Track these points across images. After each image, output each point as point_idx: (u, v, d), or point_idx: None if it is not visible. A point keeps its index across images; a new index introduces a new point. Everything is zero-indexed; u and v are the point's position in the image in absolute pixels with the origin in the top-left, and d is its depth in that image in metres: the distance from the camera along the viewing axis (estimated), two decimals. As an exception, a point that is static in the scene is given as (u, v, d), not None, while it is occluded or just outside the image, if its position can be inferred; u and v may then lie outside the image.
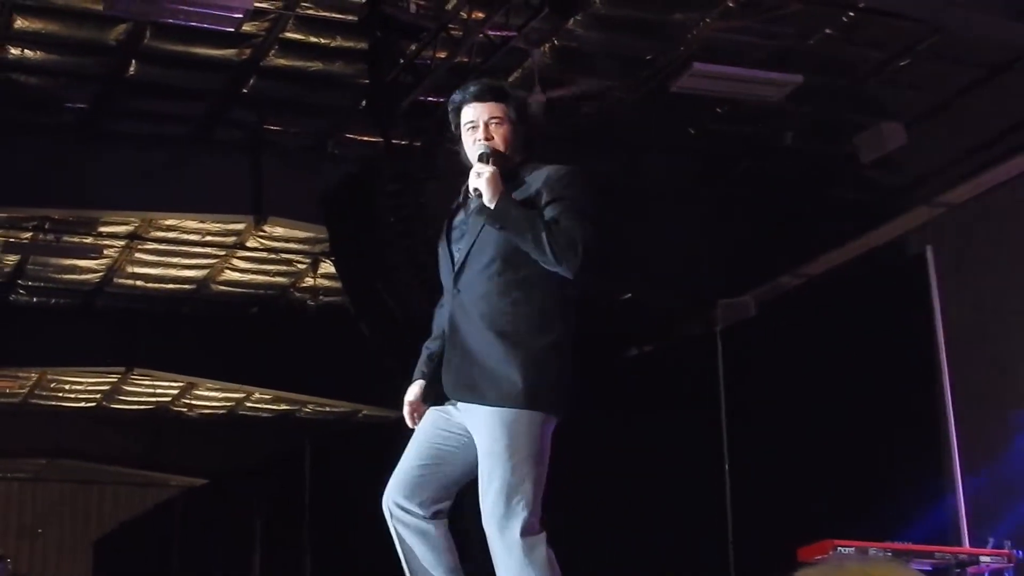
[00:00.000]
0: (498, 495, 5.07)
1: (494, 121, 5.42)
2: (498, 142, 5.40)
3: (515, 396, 5.10)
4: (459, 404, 5.25)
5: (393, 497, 5.26)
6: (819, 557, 7.25)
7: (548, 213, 5.24)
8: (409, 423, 5.44)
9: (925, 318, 10.22)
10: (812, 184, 15.01)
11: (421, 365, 5.48)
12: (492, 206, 5.21)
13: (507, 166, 5.37)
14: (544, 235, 5.15)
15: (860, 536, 7.62)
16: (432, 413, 5.35)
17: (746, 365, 12.10)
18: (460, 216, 5.48)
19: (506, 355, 5.14)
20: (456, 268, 5.34)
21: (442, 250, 5.49)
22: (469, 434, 5.21)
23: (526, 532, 5.06)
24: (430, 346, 5.48)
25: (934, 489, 9.98)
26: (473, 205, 5.32)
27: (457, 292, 5.30)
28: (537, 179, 5.34)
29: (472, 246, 5.32)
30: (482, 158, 5.33)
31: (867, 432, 10.59)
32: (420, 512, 5.23)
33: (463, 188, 5.43)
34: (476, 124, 5.43)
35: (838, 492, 10.63)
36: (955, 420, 9.88)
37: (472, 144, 5.42)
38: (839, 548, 7.27)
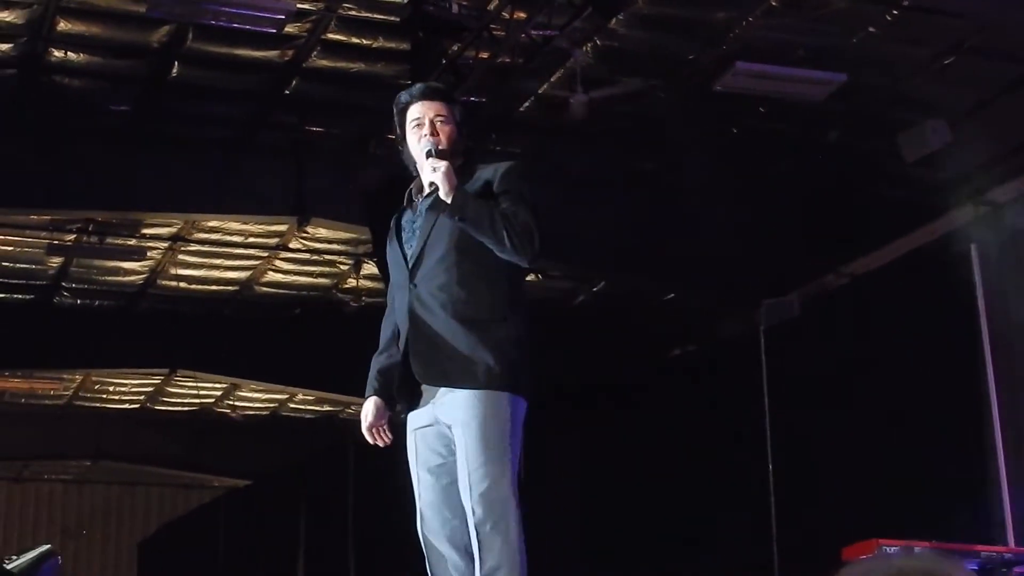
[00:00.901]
0: (483, 477, 5.16)
1: (439, 119, 5.53)
2: (443, 140, 5.50)
3: (491, 379, 5.21)
4: (432, 401, 5.35)
5: (425, 528, 5.39)
6: (864, 556, 7.21)
7: (501, 204, 5.34)
8: (372, 440, 5.60)
9: (969, 316, 10.16)
10: (856, 183, 14.96)
11: (372, 380, 5.59)
12: (449, 199, 5.30)
13: (452, 164, 5.44)
14: (502, 225, 5.25)
15: (905, 535, 7.58)
16: (413, 439, 5.45)
17: (790, 365, 12.06)
18: (407, 215, 5.61)
19: (475, 341, 5.25)
20: (411, 264, 5.43)
21: (391, 250, 5.62)
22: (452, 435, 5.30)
23: (511, 512, 5.15)
24: (379, 360, 5.60)
25: (979, 488, 9.92)
26: (421, 204, 5.50)
27: (414, 287, 5.40)
28: (484, 175, 5.47)
29: (426, 241, 5.42)
30: (429, 154, 5.42)
31: (911, 431, 10.53)
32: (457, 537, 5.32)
33: (408, 189, 5.62)
34: (422, 122, 5.53)
35: (883, 491, 10.57)
36: (1000, 418, 9.82)
37: (417, 142, 5.51)
38: (884, 547, 7.23)
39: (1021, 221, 11.01)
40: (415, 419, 5.43)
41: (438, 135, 5.49)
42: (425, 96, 5.58)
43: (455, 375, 5.26)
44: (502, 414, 5.20)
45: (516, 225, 5.25)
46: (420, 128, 5.51)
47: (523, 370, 5.29)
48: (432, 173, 5.34)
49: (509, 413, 5.22)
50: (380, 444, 5.62)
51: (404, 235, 5.57)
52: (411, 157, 5.54)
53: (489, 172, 5.45)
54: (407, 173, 5.69)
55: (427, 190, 5.47)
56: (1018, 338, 10.32)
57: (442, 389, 5.30)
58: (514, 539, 5.14)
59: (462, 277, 5.33)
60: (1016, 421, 10.04)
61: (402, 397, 5.47)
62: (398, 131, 5.65)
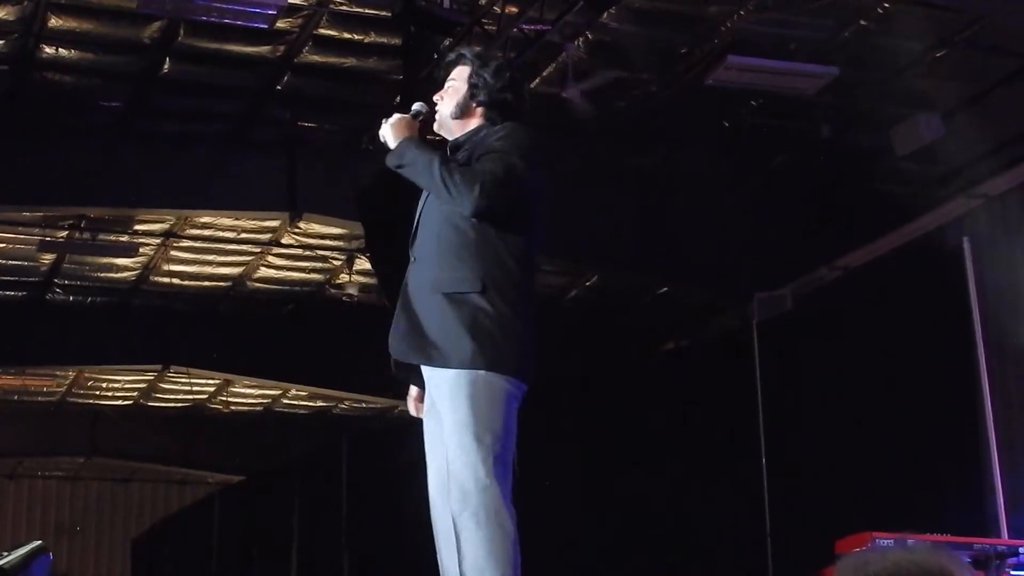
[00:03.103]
0: (459, 462, 4.94)
1: (451, 82, 5.44)
2: (445, 99, 5.41)
3: (464, 357, 4.98)
4: (424, 372, 5.14)
5: (432, 513, 5.18)
6: (857, 549, 7.21)
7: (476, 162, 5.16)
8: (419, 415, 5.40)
9: (962, 310, 10.16)
10: (848, 176, 14.97)
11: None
12: (393, 146, 5.22)
13: (445, 125, 5.40)
14: (440, 172, 5.04)
15: (898, 528, 7.58)
16: (427, 420, 5.26)
17: (783, 358, 12.05)
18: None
19: (452, 316, 5.02)
20: (412, 236, 5.28)
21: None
22: None
23: (490, 500, 4.91)
24: None
25: (972, 481, 9.93)
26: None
27: (413, 260, 5.23)
28: (480, 135, 5.29)
29: (421, 212, 5.28)
30: (414, 115, 5.38)
31: (905, 424, 10.53)
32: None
33: None
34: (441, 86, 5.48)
35: (876, 485, 10.57)
36: (993, 411, 9.83)
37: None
38: (877, 540, 7.24)
39: (1014, 214, 11.02)
40: (426, 401, 5.24)
41: (443, 97, 5.41)
42: (447, 63, 5.52)
43: (428, 351, 5.06)
44: (479, 395, 4.95)
45: (459, 175, 5.01)
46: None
47: (506, 347, 5.02)
48: (383, 126, 5.30)
49: (487, 394, 4.97)
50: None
51: (419, 205, 5.39)
52: None
53: (489, 132, 5.28)
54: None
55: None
56: (1010, 330, 10.33)
57: (428, 369, 5.09)
58: (494, 529, 4.89)
59: (444, 249, 5.11)
60: (1008, 413, 10.05)
61: (400, 373, 5.28)
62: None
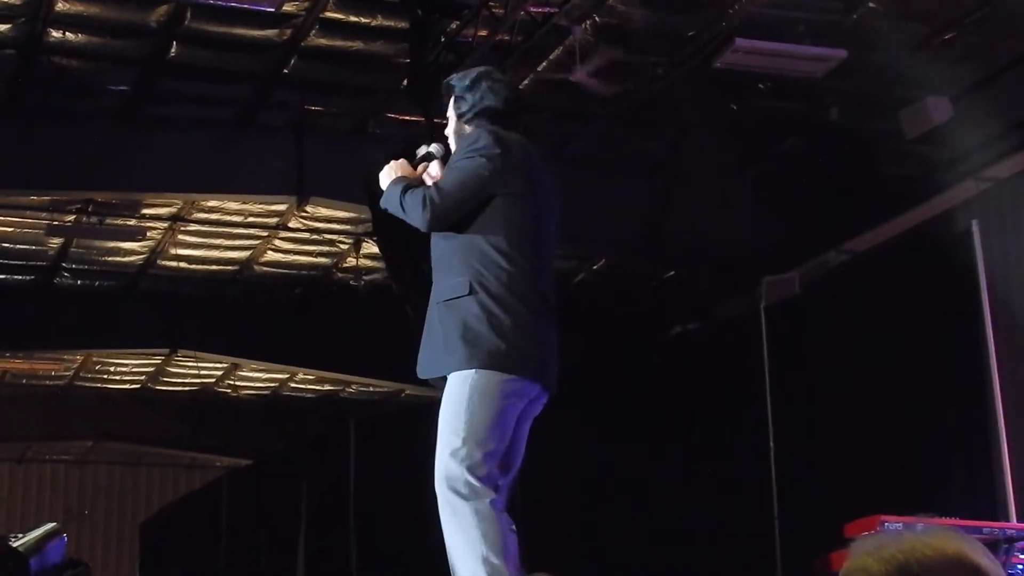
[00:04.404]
0: (440, 455, 5.14)
1: (448, 116, 5.75)
2: (443, 141, 5.75)
3: (456, 359, 5.18)
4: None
5: None
6: (866, 533, 7.19)
7: None
8: None
9: (971, 293, 10.14)
10: (857, 160, 14.93)
11: None
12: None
13: (446, 153, 5.66)
14: (399, 200, 5.39)
15: (907, 512, 7.57)
16: None
17: (791, 343, 12.04)
18: None
19: (448, 323, 5.23)
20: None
21: None
22: None
23: (461, 493, 5.06)
24: None
25: (981, 464, 9.92)
26: None
27: (429, 271, 5.52)
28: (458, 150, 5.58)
29: None
30: (425, 157, 5.70)
31: (913, 408, 10.52)
32: None
33: None
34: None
35: (884, 469, 10.56)
36: (1002, 395, 9.82)
37: None
38: (886, 524, 7.22)
39: (1022, 197, 11.00)
40: None
41: (447, 136, 5.69)
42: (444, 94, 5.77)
43: (434, 363, 5.30)
44: (473, 395, 5.13)
45: (412, 198, 5.33)
46: None
47: (492, 343, 5.16)
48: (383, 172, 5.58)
49: (480, 393, 5.13)
50: None
51: None
52: None
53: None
54: (407, 151, 5.74)
55: None
56: (1020, 314, 10.32)
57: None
58: (465, 523, 5.04)
59: (438, 261, 5.40)
60: (1018, 397, 10.03)
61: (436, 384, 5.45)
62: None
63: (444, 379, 5.30)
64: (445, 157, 5.62)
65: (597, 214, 15.28)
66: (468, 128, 5.56)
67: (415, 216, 5.30)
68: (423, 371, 5.37)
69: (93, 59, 13.33)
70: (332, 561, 18.15)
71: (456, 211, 5.29)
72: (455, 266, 5.29)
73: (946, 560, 2.41)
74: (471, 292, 5.21)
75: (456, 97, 5.63)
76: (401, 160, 5.58)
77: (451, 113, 5.66)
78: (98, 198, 16.01)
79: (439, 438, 5.15)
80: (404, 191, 5.35)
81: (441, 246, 5.37)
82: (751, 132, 14.80)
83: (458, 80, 5.71)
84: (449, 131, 5.68)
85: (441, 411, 5.18)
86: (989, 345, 9.96)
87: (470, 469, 5.06)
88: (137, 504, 28.93)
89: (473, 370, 5.14)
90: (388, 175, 5.52)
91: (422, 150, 5.66)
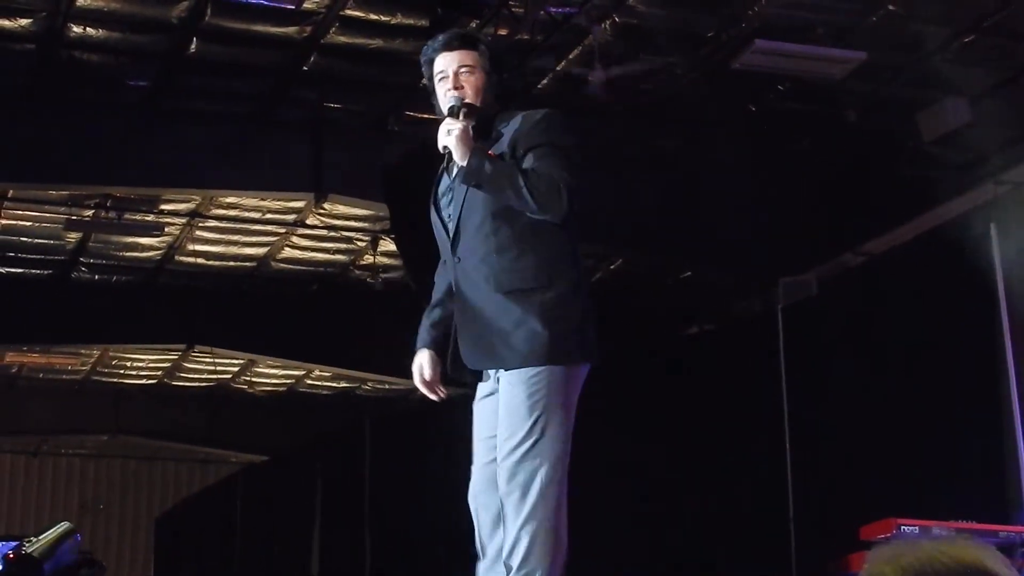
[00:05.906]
0: (517, 455, 4.92)
1: (464, 69, 5.24)
2: (468, 91, 5.22)
3: (535, 353, 4.96)
4: (492, 373, 5.13)
5: (470, 493, 5.18)
6: (881, 536, 7.19)
7: (528, 161, 5.06)
8: (428, 394, 5.36)
9: (988, 296, 10.12)
10: (875, 161, 14.92)
11: (424, 333, 5.35)
12: (464, 164, 5.01)
13: (480, 117, 5.21)
14: (523, 185, 4.95)
15: (923, 515, 7.56)
16: (481, 406, 5.23)
17: (807, 343, 12.02)
18: (445, 181, 5.33)
19: (519, 313, 4.99)
20: (452, 236, 5.19)
21: (434, 219, 5.35)
22: None
23: (539, 486, 4.89)
24: (431, 314, 5.36)
25: (997, 467, 9.90)
26: (455, 168, 5.13)
27: (458, 260, 5.17)
28: (512, 127, 5.18)
29: (461, 210, 5.17)
30: (452, 111, 5.15)
31: (929, 410, 10.50)
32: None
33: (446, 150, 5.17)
34: (446, 74, 5.25)
35: (900, 471, 10.55)
36: (1018, 398, 9.79)
37: (443, 95, 5.25)
38: (902, 527, 7.21)
39: (1041, 200, 10.99)
40: (481, 389, 5.22)
41: (463, 87, 5.22)
42: (448, 46, 5.27)
43: (501, 354, 5.02)
44: (541, 387, 4.93)
45: (539, 183, 4.95)
46: (445, 81, 5.24)
47: (573, 336, 5.05)
48: (446, 136, 5.04)
49: (553, 386, 4.95)
50: (435, 399, 5.34)
51: (442, 202, 5.31)
52: (441, 112, 5.23)
53: (517, 123, 5.17)
54: (426, 148, 5.52)
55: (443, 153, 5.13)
56: (1037, 317, 10.29)
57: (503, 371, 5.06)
58: (541, 515, 4.86)
59: (500, 245, 5.06)
60: (1035, 401, 10.01)
61: (455, 371, 5.22)
62: (427, 83, 5.39)
63: (480, 375, 5.17)
64: (469, 113, 5.20)
65: (614, 213, 15.28)
66: (491, 96, 5.27)
67: (549, 205, 4.95)
68: (479, 362, 5.10)
69: (113, 54, 13.36)
70: (346, 558, 18.17)
71: (579, 204, 5.02)
72: (526, 252, 5.05)
73: (964, 569, 2.42)
74: (547, 284, 5.03)
75: (491, 67, 5.28)
76: (466, 127, 5.07)
77: (478, 72, 5.25)
78: (117, 193, 16.04)
79: (509, 430, 4.95)
80: (520, 173, 4.98)
81: (504, 231, 5.07)
82: (769, 133, 14.80)
83: (485, 42, 5.41)
84: (468, 86, 5.23)
85: (510, 404, 4.96)
86: (1006, 347, 9.94)
87: (549, 466, 4.90)
88: (152, 499, 29.00)
89: (558, 366, 4.98)
90: (464, 146, 5.01)
91: (452, 101, 5.17)
